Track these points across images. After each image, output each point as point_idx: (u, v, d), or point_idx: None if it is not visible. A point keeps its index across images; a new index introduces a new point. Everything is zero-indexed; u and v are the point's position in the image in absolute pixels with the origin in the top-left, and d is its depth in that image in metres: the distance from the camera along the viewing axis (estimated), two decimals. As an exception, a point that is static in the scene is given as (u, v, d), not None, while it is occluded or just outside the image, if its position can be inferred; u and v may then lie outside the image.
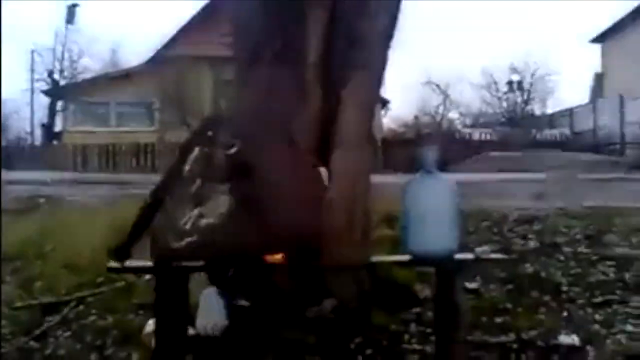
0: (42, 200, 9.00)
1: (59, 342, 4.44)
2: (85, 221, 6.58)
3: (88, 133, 22.02)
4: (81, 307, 4.90)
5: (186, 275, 3.93)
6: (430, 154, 3.55)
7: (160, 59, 21.64)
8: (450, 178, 3.93)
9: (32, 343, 4.44)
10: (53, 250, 5.83)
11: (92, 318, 4.72)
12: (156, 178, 3.87)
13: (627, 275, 5.24)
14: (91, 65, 33.44)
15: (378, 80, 4.27)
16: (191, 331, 4.04)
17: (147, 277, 4.69)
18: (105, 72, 25.48)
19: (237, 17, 4.37)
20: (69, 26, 34.74)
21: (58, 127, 30.43)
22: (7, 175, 10.94)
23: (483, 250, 4.69)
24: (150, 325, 4.05)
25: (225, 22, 4.72)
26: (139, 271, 4.60)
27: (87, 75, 25.05)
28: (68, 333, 4.54)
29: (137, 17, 57.71)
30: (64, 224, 6.56)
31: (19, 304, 4.95)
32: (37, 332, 4.55)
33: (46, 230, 6.39)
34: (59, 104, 29.63)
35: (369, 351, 4.09)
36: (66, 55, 34.83)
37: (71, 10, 34.55)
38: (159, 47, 23.27)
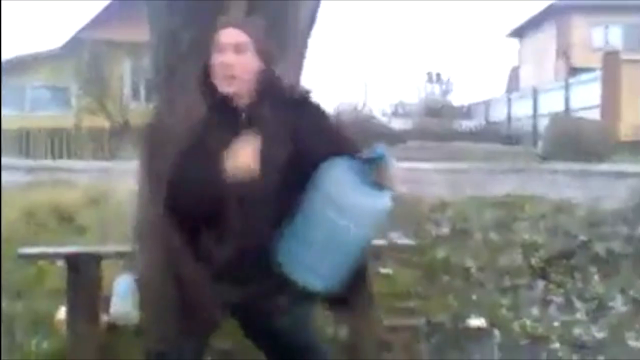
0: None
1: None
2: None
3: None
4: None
5: (98, 262, 3.90)
6: None
7: (77, 43, 21.10)
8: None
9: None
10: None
11: (3, 304, 4.62)
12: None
13: (533, 261, 5.44)
14: (4, 48, 32.34)
15: (298, 68, 4.30)
16: (105, 318, 4.02)
17: (59, 263, 4.61)
18: (19, 56, 24.65)
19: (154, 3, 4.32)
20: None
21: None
22: None
23: (396, 236, 4.78)
24: (63, 311, 4.00)
25: (143, 7, 4.66)
26: (50, 257, 4.54)
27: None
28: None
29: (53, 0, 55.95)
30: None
31: None
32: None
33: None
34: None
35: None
36: (-23, 37, 33.61)
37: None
38: (75, 30, 22.70)
